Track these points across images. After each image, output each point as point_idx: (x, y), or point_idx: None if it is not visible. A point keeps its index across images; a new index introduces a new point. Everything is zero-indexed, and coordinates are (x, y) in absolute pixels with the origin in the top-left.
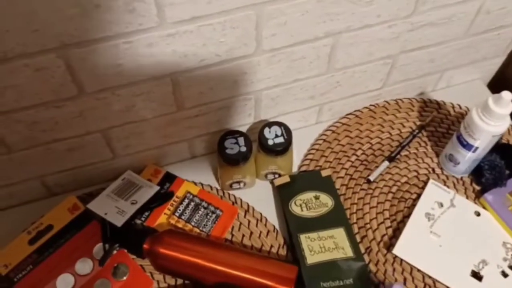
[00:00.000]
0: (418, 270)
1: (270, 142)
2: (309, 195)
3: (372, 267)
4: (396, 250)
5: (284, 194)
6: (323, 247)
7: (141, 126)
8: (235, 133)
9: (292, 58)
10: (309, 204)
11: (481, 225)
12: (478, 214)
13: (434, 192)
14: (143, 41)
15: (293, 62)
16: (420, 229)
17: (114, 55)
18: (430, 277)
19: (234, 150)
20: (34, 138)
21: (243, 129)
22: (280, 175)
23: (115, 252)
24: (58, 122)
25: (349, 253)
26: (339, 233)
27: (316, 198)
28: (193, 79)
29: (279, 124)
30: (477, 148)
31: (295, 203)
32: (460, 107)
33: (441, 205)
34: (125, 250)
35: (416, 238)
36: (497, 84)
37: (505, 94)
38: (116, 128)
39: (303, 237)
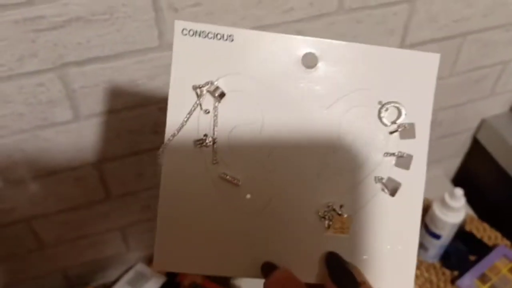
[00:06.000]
0: None
1: None
2: None
3: None
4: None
5: None
6: None
7: (152, 224)
8: None
9: None
10: None
11: None
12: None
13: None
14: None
15: None
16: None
17: (137, 165)
18: None
19: None
20: (64, 235)
21: None
22: None
23: None
24: (85, 221)
25: None
26: None
27: None
28: None
29: None
30: (441, 236)
31: None
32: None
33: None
34: None
35: None
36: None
37: (457, 191)
38: (132, 226)
39: None
